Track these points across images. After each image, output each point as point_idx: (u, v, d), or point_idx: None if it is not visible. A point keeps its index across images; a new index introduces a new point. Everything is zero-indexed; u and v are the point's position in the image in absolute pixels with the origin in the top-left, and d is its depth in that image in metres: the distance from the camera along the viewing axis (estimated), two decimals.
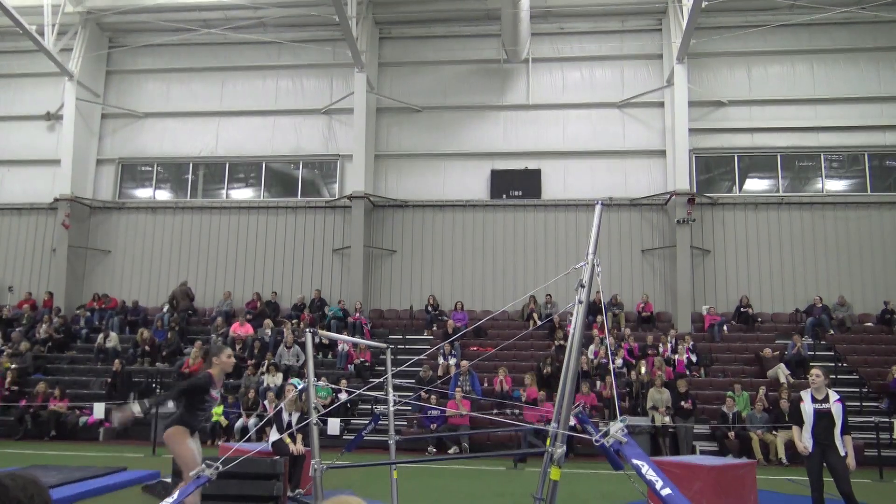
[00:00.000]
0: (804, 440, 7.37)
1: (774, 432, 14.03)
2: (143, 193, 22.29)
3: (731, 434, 14.26)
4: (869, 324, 18.48)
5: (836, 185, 20.15)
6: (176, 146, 21.80)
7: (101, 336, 18.89)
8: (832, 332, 17.94)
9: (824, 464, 7.32)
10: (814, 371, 7.66)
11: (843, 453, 7.18)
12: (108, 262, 21.47)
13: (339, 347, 17.80)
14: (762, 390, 15.10)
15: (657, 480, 3.61)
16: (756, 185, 20.50)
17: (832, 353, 17.33)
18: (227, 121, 21.73)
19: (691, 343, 17.18)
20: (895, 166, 20.02)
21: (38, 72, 21.64)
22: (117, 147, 22.08)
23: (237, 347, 17.77)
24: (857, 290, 18.91)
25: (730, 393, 15.04)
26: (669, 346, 17.05)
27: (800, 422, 7.46)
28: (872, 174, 19.78)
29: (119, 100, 22.19)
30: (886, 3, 18.56)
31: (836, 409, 7.31)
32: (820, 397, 7.42)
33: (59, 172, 21.03)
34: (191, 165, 21.96)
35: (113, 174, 22.00)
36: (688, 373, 16.38)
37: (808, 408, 7.41)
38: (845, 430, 7.28)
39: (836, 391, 7.66)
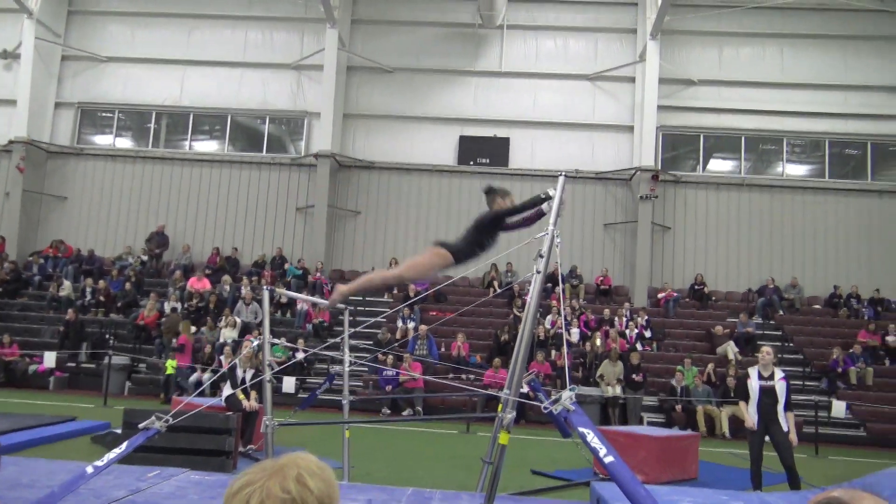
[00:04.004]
0: (750, 414, 7.65)
1: (720, 407, 14.47)
2: (103, 140, 21.72)
3: (679, 407, 14.66)
4: (817, 306, 19.06)
5: (796, 170, 20.57)
6: (139, 93, 21.20)
7: (54, 284, 18.54)
8: (781, 312, 18.48)
9: (766, 438, 7.62)
10: (765, 349, 7.98)
11: (785, 429, 7.48)
12: (64, 209, 20.95)
13: (298, 306, 17.76)
14: (710, 366, 15.53)
15: (601, 448, 3.71)
16: (719, 165, 20.82)
17: (780, 332, 17.87)
18: (193, 70, 21.18)
19: (646, 318, 17.53)
20: (854, 154, 20.48)
21: None
22: (77, 91, 21.39)
23: (194, 301, 17.62)
24: (808, 272, 19.43)
25: (679, 367, 15.43)
26: (625, 319, 17.40)
27: (747, 397, 7.74)
28: (832, 161, 20.21)
29: (80, 42, 21.43)
30: None
31: (780, 387, 7.60)
32: (766, 374, 7.70)
33: (14, 114, 20.29)
34: (154, 114, 21.41)
35: (72, 119, 21.35)
36: (640, 346, 16.74)
37: (754, 384, 7.70)
38: (788, 407, 7.58)
39: (782, 370, 7.97)
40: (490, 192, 5.08)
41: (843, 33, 20.03)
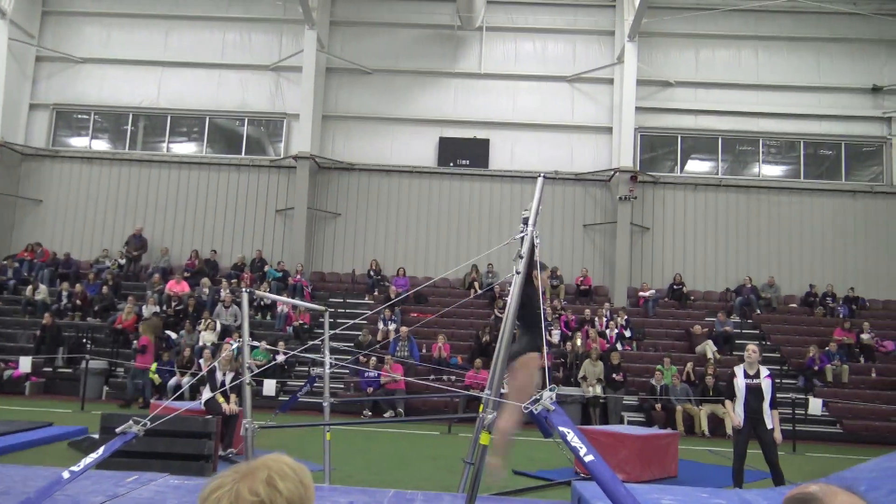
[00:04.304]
0: (736, 413, 7.74)
1: (699, 406, 14.60)
2: (79, 142, 21.45)
3: (658, 406, 14.77)
4: (793, 305, 19.31)
5: (772, 171, 20.84)
6: (115, 95, 20.98)
7: (29, 288, 18.27)
8: (759, 311, 18.70)
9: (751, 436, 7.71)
10: (750, 347, 8.07)
11: (770, 426, 7.58)
12: (39, 212, 20.66)
13: (279, 309, 17.67)
14: (689, 365, 15.67)
15: (581, 448, 3.74)
16: (697, 166, 21.03)
17: (758, 331, 18.08)
18: (171, 72, 21.00)
19: (625, 318, 17.64)
20: (828, 155, 20.78)
21: None
22: (52, 92, 21.12)
23: (172, 304, 17.45)
24: (784, 272, 19.68)
25: (659, 366, 15.54)
26: (605, 319, 17.50)
27: (733, 396, 7.84)
28: (806, 161, 20.51)
29: (55, 43, 21.17)
30: None
31: (766, 385, 7.71)
32: (752, 373, 7.80)
33: None
34: (130, 116, 21.19)
35: (47, 120, 21.07)
36: (620, 346, 16.84)
37: (740, 382, 7.79)
38: (773, 404, 7.68)
39: (767, 368, 8.08)
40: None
41: (816, 36, 20.33)
